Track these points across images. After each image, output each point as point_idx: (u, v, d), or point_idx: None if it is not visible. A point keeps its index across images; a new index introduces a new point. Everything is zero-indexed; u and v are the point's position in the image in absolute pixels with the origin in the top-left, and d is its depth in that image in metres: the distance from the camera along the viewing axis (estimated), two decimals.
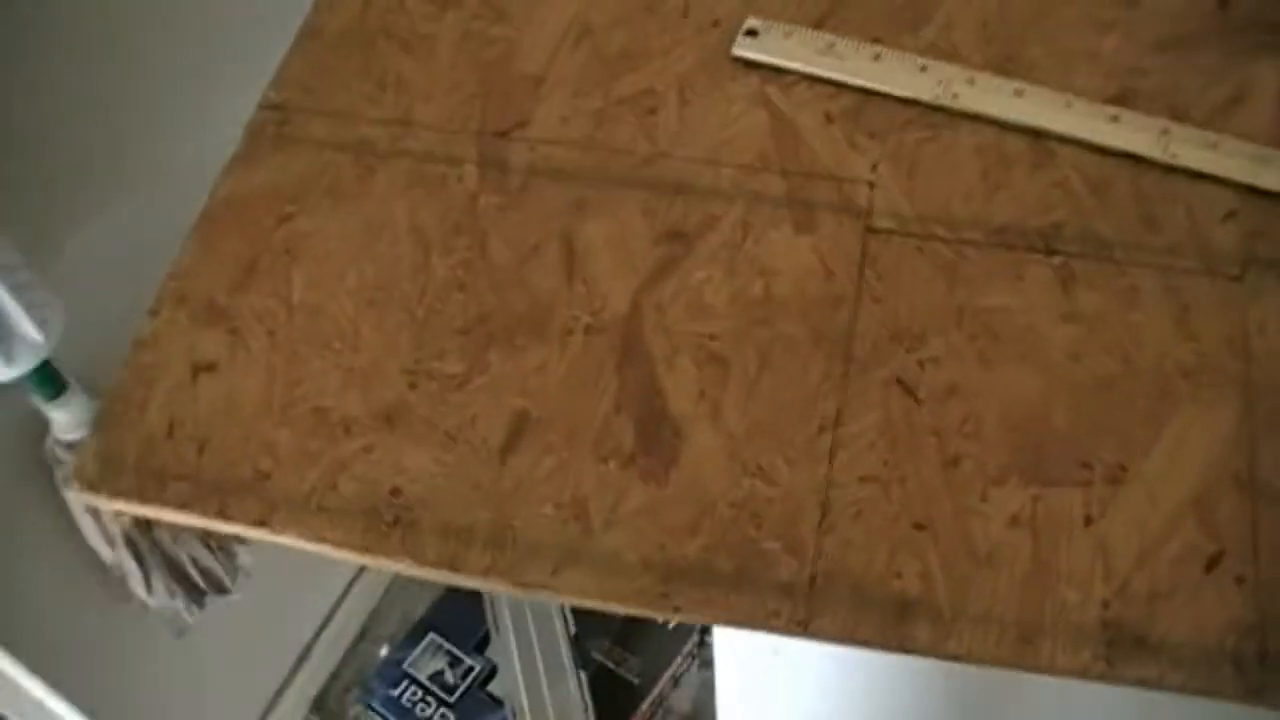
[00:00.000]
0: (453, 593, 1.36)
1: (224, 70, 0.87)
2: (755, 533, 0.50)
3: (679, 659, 1.33)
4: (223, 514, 0.52)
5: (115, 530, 0.86)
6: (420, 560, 0.50)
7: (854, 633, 0.48)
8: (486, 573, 0.50)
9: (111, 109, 0.90)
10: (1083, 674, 0.46)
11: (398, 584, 1.41)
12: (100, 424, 0.54)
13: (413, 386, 0.54)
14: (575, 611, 1.32)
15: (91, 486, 0.53)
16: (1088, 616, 0.47)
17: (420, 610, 1.36)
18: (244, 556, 0.97)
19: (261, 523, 0.51)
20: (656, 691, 1.32)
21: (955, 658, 0.47)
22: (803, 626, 0.48)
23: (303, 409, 0.54)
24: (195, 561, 0.92)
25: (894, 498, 0.50)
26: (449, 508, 0.51)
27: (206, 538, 0.92)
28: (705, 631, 1.32)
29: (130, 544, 0.87)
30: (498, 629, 1.31)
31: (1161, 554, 0.48)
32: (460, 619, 1.35)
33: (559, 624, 1.30)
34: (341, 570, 1.32)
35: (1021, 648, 0.47)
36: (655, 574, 0.49)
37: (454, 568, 0.50)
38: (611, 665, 1.30)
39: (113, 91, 0.91)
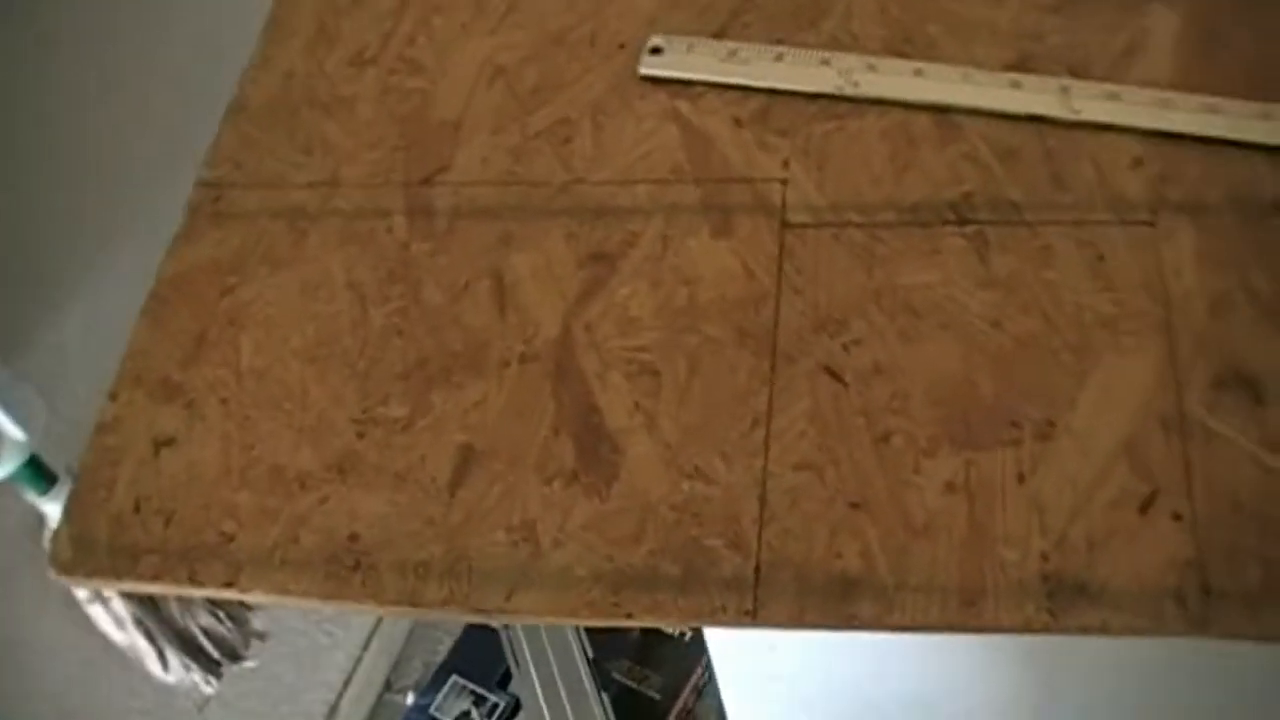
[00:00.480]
0: (471, 633, 1.38)
1: (184, 153, 0.89)
2: (698, 532, 0.51)
3: (699, 670, 1.34)
4: (193, 580, 0.54)
5: (124, 613, 0.88)
6: (381, 600, 0.52)
7: (800, 617, 0.49)
8: (445, 604, 0.51)
9: (75, 203, 0.93)
10: (1026, 628, 0.47)
11: (417, 632, 1.43)
12: (71, 509, 0.57)
13: (361, 435, 0.56)
14: (592, 635, 1.33)
15: (67, 570, 0.55)
16: (1028, 572, 0.48)
17: (441, 655, 1.38)
18: (256, 622, 0.99)
19: (229, 583, 0.53)
20: (680, 704, 1.33)
21: (900, 629, 0.48)
22: (751, 617, 0.49)
23: (259, 470, 0.56)
24: (207, 632, 0.94)
25: (829, 481, 0.51)
26: (404, 546, 0.53)
27: (215, 607, 0.94)
28: None
29: (140, 624, 0.90)
30: (518, 664, 1.33)
31: (1096, 502, 0.49)
32: (480, 658, 1.37)
33: (577, 650, 1.32)
34: (359, 625, 1.34)
35: (965, 610, 0.48)
36: (605, 585, 0.50)
37: (413, 603, 0.51)
38: (633, 684, 1.32)
39: (77, 185, 0.93)
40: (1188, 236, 0.55)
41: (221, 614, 0.95)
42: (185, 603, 0.91)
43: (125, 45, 0.97)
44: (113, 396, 0.59)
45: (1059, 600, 0.48)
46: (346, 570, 0.53)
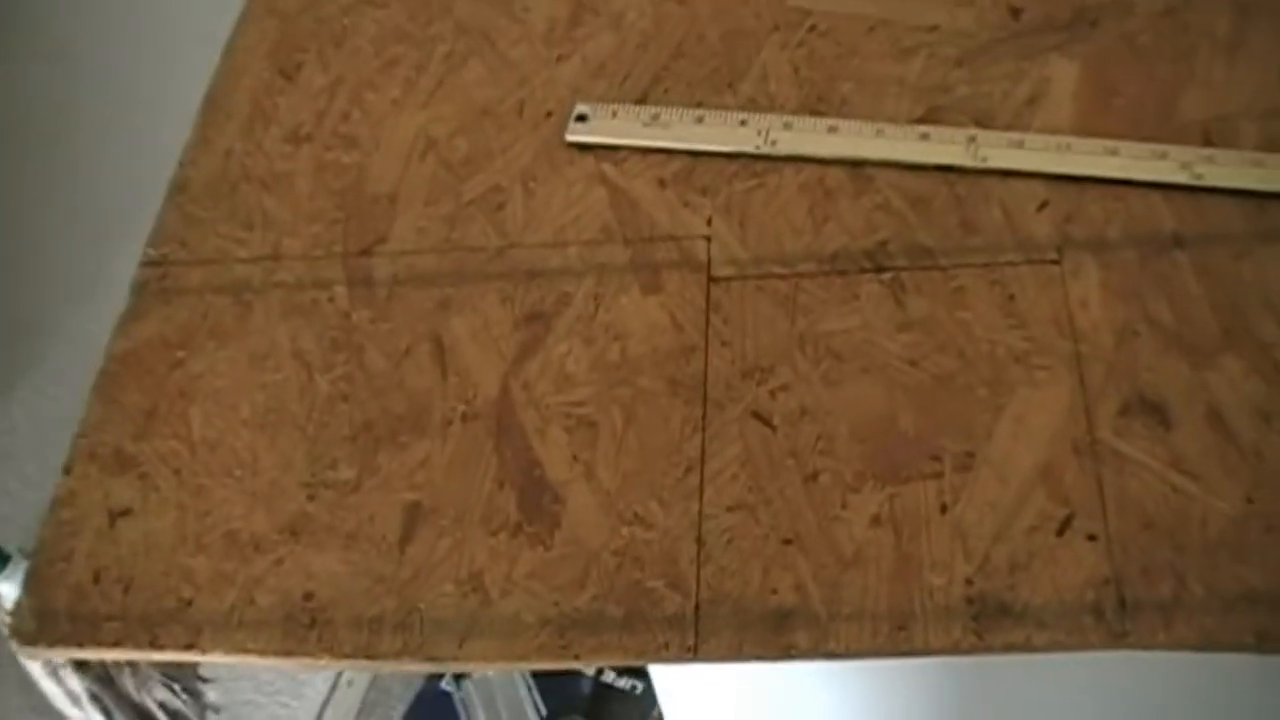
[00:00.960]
0: (424, 699, 1.39)
1: (129, 238, 0.91)
2: (639, 575, 0.53)
3: None
4: (154, 644, 0.55)
5: (79, 689, 0.89)
6: (337, 654, 0.54)
7: (739, 651, 0.51)
8: (399, 655, 0.53)
9: (18, 287, 0.95)
10: (955, 649, 0.50)
11: (371, 698, 1.43)
12: (30, 582, 0.58)
13: (311, 498, 0.58)
14: (544, 692, 1.34)
15: (30, 641, 0.56)
16: (953, 596, 0.51)
17: (397, 717, 1.39)
18: (210, 694, 1.00)
19: (190, 645, 0.55)
20: None
21: (835, 656, 0.50)
22: (692, 652, 0.51)
23: (214, 535, 0.57)
24: (163, 706, 0.95)
25: (762, 520, 0.54)
26: (358, 602, 0.54)
27: (170, 681, 0.94)
28: None
29: (95, 700, 0.90)
30: None
31: (1016, 526, 0.52)
32: (435, 719, 1.37)
33: (530, 707, 1.33)
34: (313, 695, 1.34)
35: (896, 635, 0.50)
36: (552, 629, 0.52)
37: (369, 655, 0.53)
38: None
39: (20, 266, 0.95)
40: (1092, 272, 0.58)
41: (177, 687, 0.96)
42: (140, 677, 0.92)
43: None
44: (67, 470, 0.61)
45: (984, 621, 0.50)
46: (303, 628, 0.54)
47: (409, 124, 0.70)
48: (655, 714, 1.33)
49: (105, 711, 0.91)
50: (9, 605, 0.89)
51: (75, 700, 0.90)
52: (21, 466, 0.87)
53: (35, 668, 0.87)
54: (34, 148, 0.94)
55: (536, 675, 1.35)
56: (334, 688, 1.35)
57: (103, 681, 0.89)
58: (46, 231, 0.96)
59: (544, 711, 1.33)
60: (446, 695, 1.36)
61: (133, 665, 0.89)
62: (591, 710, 1.33)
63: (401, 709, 1.38)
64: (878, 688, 0.77)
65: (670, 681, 0.82)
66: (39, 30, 0.96)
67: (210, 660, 0.55)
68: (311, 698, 1.32)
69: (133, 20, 1.01)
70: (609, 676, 1.36)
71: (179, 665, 0.92)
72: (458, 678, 1.37)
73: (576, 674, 1.36)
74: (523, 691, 1.34)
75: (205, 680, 0.96)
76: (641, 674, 1.36)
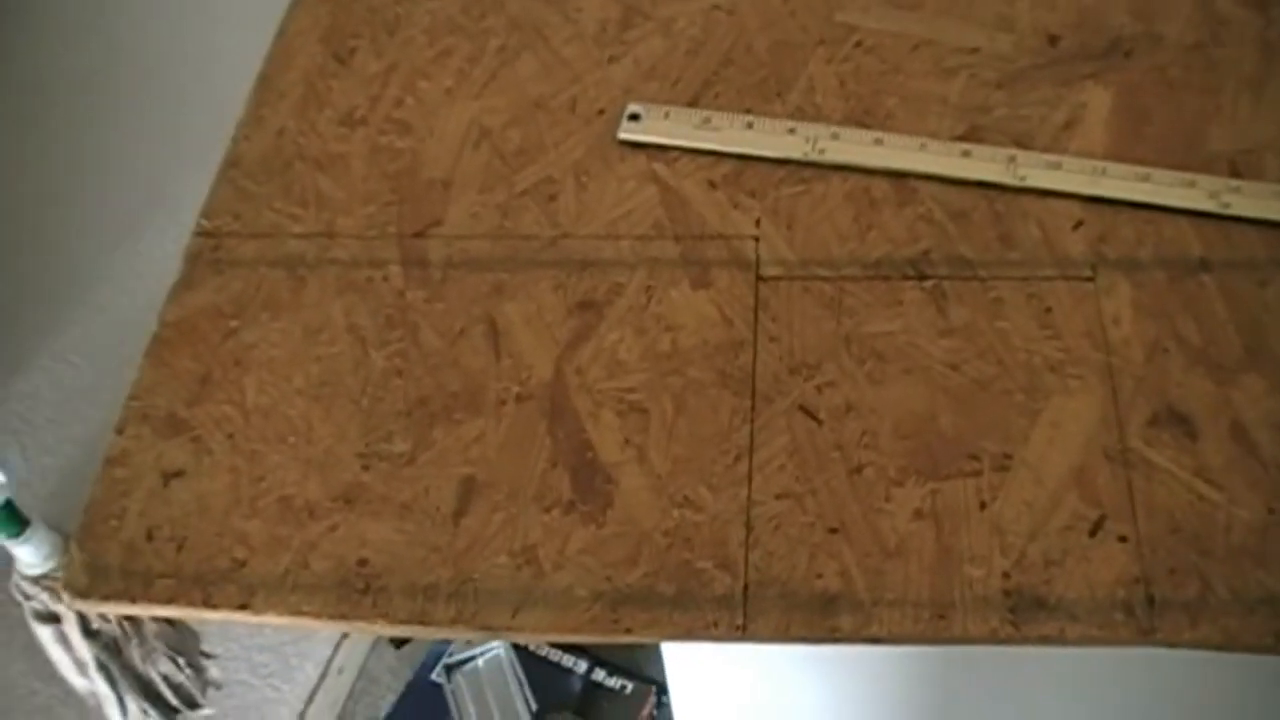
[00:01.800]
0: (414, 689, 1.39)
1: (155, 208, 0.92)
2: (689, 555, 0.55)
3: None
4: (207, 603, 0.56)
5: (87, 656, 0.89)
6: (392, 620, 0.55)
7: (786, 631, 0.53)
8: (453, 622, 0.55)
9: (43, 255, 0.95)
10: (992, 639, 0.52)
11: (360, 686, 1.44)
12: (81, 537, 0.59)
13: (366, 468, 0.59)
14: (535, 687, 1.35)
15: (82, 594, 0.58)
16: (991, 588, 0.53)
17: (385, 710, 1.39)
18: (212, 670, 1.01)
19: (244, 606, 0.56)
20: None
21: (878, 640, 0.53)
22: (741, 631, 0.53)
23: (269, 500, 0.59)
24: (167, 679, 0.96)
25: (808, 509, 0.56)
26: (413, 570, 0.56)
27: (175, 654, 0.95)
28: (662, 692, 1.36)
29: (103, 668, 0.91)
30: (461, 717, 1.35)
31: (1050, 525, 0.55)
32: (423, 712, 1.38)
33: (520, 703, 1.34)
34: (304, 680, 1.35)
35: (936, 623, 0.53)
36: (605, 603, 0.54)
37: (423, 622, 0.55)
38: None
39: (46, 239, 0.96)
40: (1125, 291, 0.61)
41: (181, 661, 0.97)
42: (146, 649, 0.92)
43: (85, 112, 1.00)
44: (119, 431, 0.62)
45: (1020, 613, 0.52)
46: (357, 593, 0.56)
47: (462, 113, 0.72)
48: (645, 713, 1.35)
49: (110, 680, 0.92)
50: (27, 570, 0.90)
51: (82, 668, 0.90)
52: (42, 435, 0.88)
53: (45, 633, 0.88)
54: (61, 119, 0.95)
55: (528, 670, 1.36)
56: (324, 674, 1.36)
57: (110, 650, 0.90)
58: (73, 201, 0.97)
59: (534, 707, 1.34)
60: (437, 687, 1.37)
61: (140, 636, 0.90)
62: (581, 708, 1.35)
63: (391, 699, 1.39)
64: (887, 685, 0.79)
65: (684, 677, 0.84)
66: (68, 2, 0.97)
67: (264, 621, 0.56)
68: (302, 682, 1.33)
69: None
70: (599, 675, 1.37)
71: (184, 639, 0.93)
72: (449, 670, 1.38)
73: (567, 671, 1.38)
74: (513, 687, 1.35)
75: (209, 655, 0.97)
76: (631, 673, 1.37)
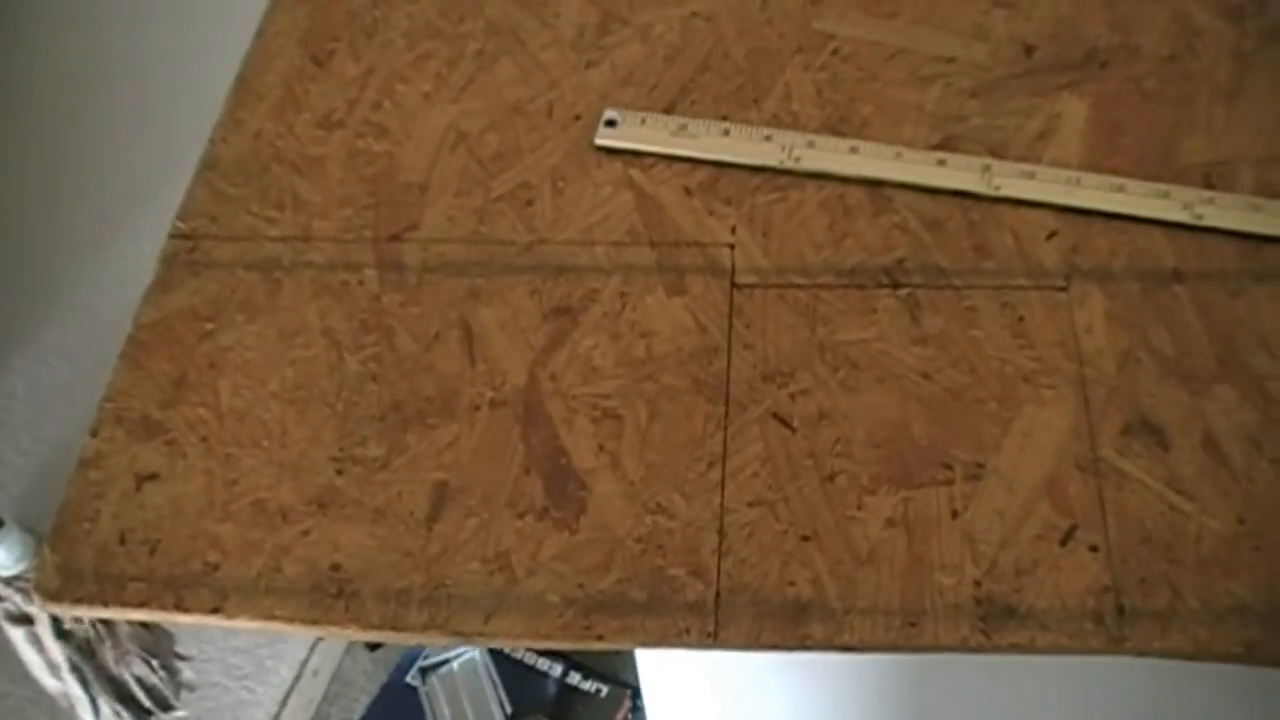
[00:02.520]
0: (388, 693, 1.39)
1: (134, 209, 0.92)
2: (662, 562, 0.55)
3: None
4: (179, 606, 0.56)
5: (60, 658, 0.89)
6: (365, 625, 0.55)
7: (758, 639, 0.53)
8: (425, 629, 0.55)
9: (19, 258, 0.95)
10: (963, 647, 0.52)
11: (334, 689, 1.44)
12: (54, 539, 0.59)
13: (340, 472, 0.59)
14: (509, 690, 1.36)
15: (54, 597, 0.57)
16: (962, 596, 0.53)
17: (359, 712, 1.39)
18: (186, 672, 1.01)
19: (216, 610, 0.56)
20: None
21: (849, 648, 0.53)
22: (712, 638, 0.53)
23: (242, 504, 0.59)
24: (140, 681, 0.96)
25: (781, 516, 0.56)
26: (385, 575, 0.56)
27: (148, 657, 0.95)
28: (636, 696, 1.36)
29: (76, 670, 0.91)
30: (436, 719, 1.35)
31: (1022, 534, 0.55)
32: (398, 715, 1.38)
33: (495, 706, 1.34)
34: (278, 682, 1.35)
35: (907, 631, 0.53)
36: (577, 609, 0.54)
37: (396, 627, 0.55)
38: None
39: (21, 239, 0.95)
40: (1097, 301, 0.61)
41: (155, 663, 0.96)
42: (120, 651, 0.92)
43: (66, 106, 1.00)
44: (93, 433, 0.62)
45: (992, 621, 0.53)
46: (330, 598, 0.56)
47: (440, 117, 0.72)
48: (620, 716, 1.35)
49: (83, 682, 0.92)
50: (0, 571, 0.90)
51: (55, 670, 0.90)
52: (16, 436, 0.88)
53: (17, 635, 0.88)
54: (41, 119, 0.95)
55: (503, 674, 1.37)
56: (299, 676, 1.36)
57: (83, 653, 0.90)
58: (52, 201, 0.96)
59: (509, 710, 1.34)
60: (412, 690, 1.37)
61: (114, 638, 0.90)
62: (556, 711, 1.35)
63: (365, 701, 1.39)
64: (862, 690, 0.79)
65: (658, 684, 0.84)
66: (50, 3, 0.97)
67: (236, 626, 0.56)
68: (277, 684, 1.32)
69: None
70: (574, 678, 1.38)
71: (158, 641, 0.92)
72: (424, 673, 1.38)
73: (542, 674, 1.38)
74: (488, 690, 1.35)
75: (183, 657, 0.97)
76: (606, 677, 1.38)
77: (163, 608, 0.57)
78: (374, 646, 1.47)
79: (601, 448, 0.59)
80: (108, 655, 0.92)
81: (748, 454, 0.58)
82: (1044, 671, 0.58)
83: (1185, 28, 0.72)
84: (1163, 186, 0.65)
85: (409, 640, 0.56)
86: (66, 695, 0.93)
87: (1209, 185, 0.65)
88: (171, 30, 1.04)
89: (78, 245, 0.97)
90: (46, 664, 0.91)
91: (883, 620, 0.53)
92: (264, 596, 0.56)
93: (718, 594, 0.54)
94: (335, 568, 0.57)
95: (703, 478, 0.57)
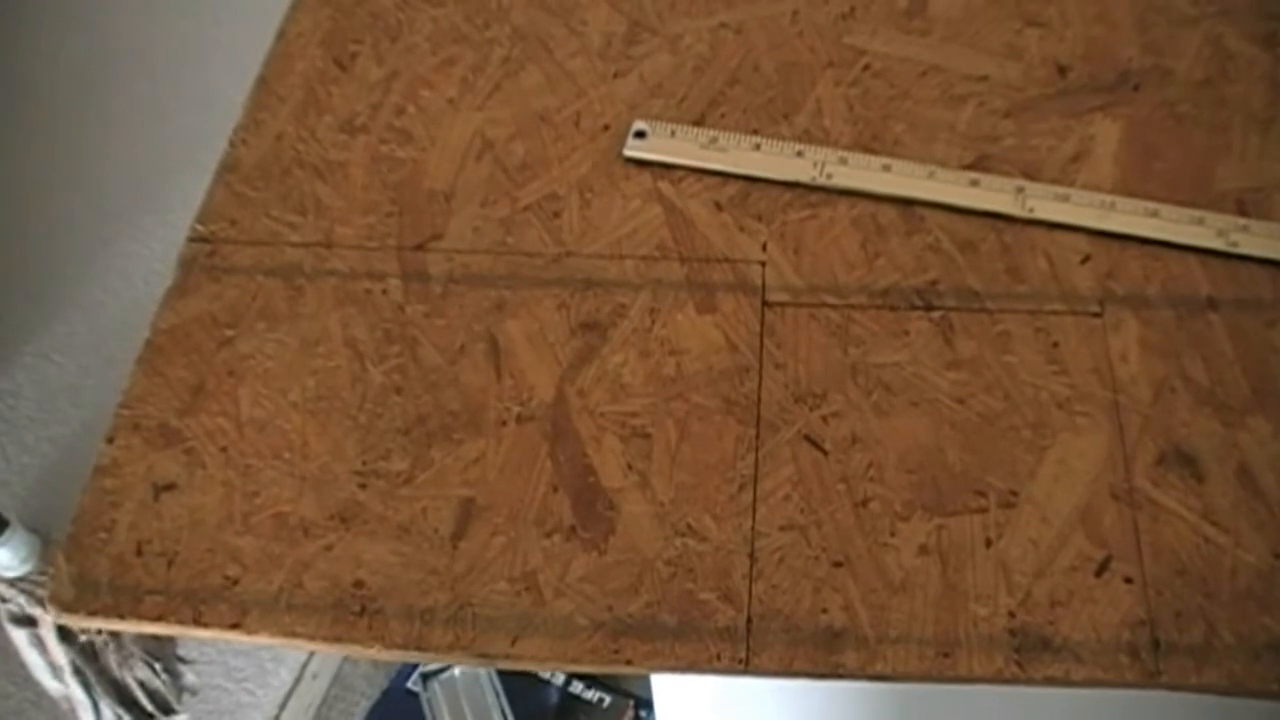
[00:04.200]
0: (388, 697, 1.38)
1: (144, 208, 0.91)
2: (692, 586, 0.54)
3: None
4: (197, 621, 0.55)
5: (63, 662, 0.88)
6: (388, 644, 0.54)
7: (790, 666, 0.52)
8: (450, 649, 0.54)
9: (25, 257, 0.94)
10: (997, 678, 0.52)
11: (334, 693, 1.43)
12: (70, 549, 0.58)
13: (363, 486, 0.58)
14: (512, 699, 1.35)
15: (69, 609, 0.56)
16: (996, 627, 0.53)
17: (359, 717, 1.38)
18: (188, 676, 1.00)
19: (235, 625, 0.55)
20: None
21: (883, 678, 0.52)
22: (744, 664, 0.52)
23: (262, 516, 0.58)
24: (143, 685, 0.94)
25: (813, 541, 0.55)
26: (409, 593, 0.55)
27: (152, 660, 0.94)
28: (639, 707, 1.36)
29: (78, 673, 0.89)
30: None
31: (1056, 564, 0.54)
32: (400, 719, 1.37)
33: (497, 715, 1.33)
34: (278, 685, 1.34)
35: (941, 661, 0.52)
36: (606, 633, 0.53)
37: (420, 647, 0.54)
38: None
39: (27, 239, 0.94)
40: (1132, 328, 0.61)
41: (158, 666, 0.95)
42: (123, 654, 0.91)
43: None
44: (110, 440, 0.61)
45: (1026, 653, 0.52)
46: (353, 615, 0.55)
47: (465, 124, 0.71)
48: None
49: (86, 685, 0.90)
50: (5, 571, 0.89)
51: (57, 672, 0.89)
52: (21, 434, 0.87)
53: (20, 637, 0.87)
54: (51, 116, 0.94)
55: (505, 681, 1.35)
56: (299, 679, 1.35)
57: (87, 655, 0.88)
58: (59, 199, 0.95)
59: (510, 718, 1.33)
60: (413, 696, 1.36)
61: (117, 641, 0.89)
62: None
63: (366, 706, 1.38)
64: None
65: (669, 699, 0.83)
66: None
67: (256, 642, 0.55)
68: (276, 687, 1.31)
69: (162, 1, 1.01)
70: (576, 687, 1.37)
71: (161, 645, 0.91)
72: (425, 678, 1.37)
73: (545, 682, 1.37)
74: (490, 698, 1.34)
75: (185, 661, 0.96)
76: (609, 687, 1.37)
77: (181, 622, 0.55)
78: None
79: (630, 467, 0.58)
80: (111, 658, 0.91)
81: (779, 476, 0.57)
82: (1054, 700, 0.58)
83: (1218, 52, 0.71)
84: (1197, 213, 0.64)
85: (433, 660, 0.55)
86: (68, 698, 0.92)
87: (1243, 212, 0.64)
88: (179, 27, 1.03)
89: (84, 242, 0.96)
90: (49, 666, 0.90)
91: (916, 650, 0.52)
92: (285, 613, 0.55)
93: (749, 620, 0.53)
94: (358, 584, 0.56)
95: (734, 500, 0.57)
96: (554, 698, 1.36)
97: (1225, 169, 0.66)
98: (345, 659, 1.45)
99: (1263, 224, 0.63)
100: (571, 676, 1.37)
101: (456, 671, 1.36)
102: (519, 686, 1.35)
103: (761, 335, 0.61)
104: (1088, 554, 0.54)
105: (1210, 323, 0.61)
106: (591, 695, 1.36)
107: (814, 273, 0.63)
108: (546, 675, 1.37)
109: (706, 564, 0.55)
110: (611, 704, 1.35)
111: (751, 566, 0.55)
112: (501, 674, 1.36)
